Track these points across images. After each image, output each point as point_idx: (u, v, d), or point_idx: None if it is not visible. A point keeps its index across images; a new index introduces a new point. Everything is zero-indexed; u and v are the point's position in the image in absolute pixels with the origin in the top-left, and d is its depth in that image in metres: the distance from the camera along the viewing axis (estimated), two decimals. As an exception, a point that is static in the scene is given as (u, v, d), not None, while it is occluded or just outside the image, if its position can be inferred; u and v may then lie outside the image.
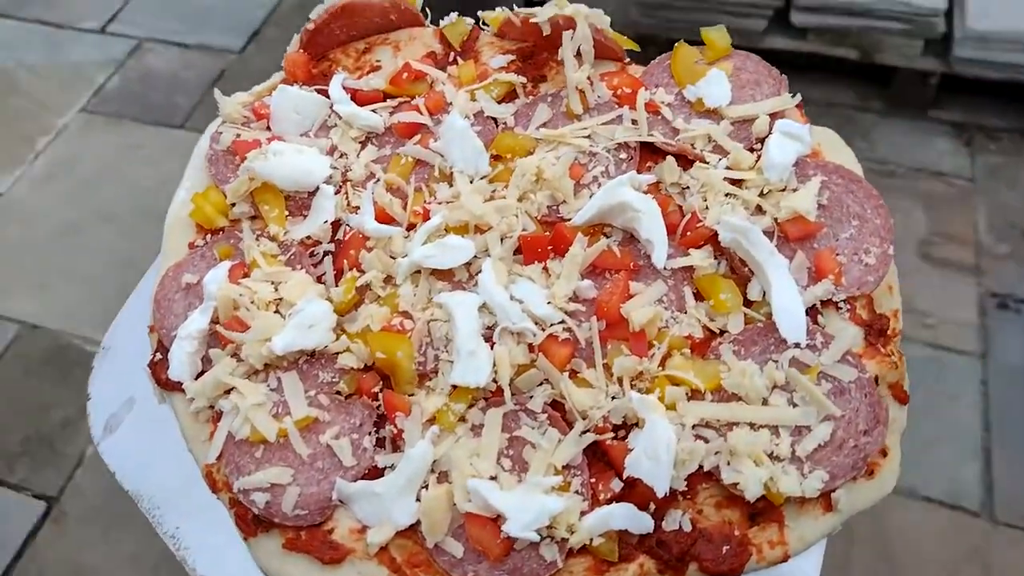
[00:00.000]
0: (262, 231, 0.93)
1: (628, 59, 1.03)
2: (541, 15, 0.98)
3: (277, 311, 0.87)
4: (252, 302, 0.86)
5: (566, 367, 0.82)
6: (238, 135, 0.97)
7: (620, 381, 0.81)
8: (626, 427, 0.80)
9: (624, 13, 2.46)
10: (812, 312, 0.84)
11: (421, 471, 0.78)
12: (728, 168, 0.91)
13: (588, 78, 0.97)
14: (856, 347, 0.83)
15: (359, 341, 0.84)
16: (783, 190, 0.89)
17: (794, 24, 2.34)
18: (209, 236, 0.95)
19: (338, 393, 0.84)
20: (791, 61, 2.36)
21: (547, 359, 0.82)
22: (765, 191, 0.89)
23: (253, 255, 0.89)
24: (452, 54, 1.04)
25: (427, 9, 1.08)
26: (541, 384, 0.82)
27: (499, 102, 0.99)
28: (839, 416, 0.78)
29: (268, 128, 0.99)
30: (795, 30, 2.38)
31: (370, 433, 0.82)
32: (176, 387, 0.86)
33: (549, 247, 0.89)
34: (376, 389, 0.83)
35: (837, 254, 0.86)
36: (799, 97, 0.94)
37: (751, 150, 0.92)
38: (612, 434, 0.79)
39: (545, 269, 0.88)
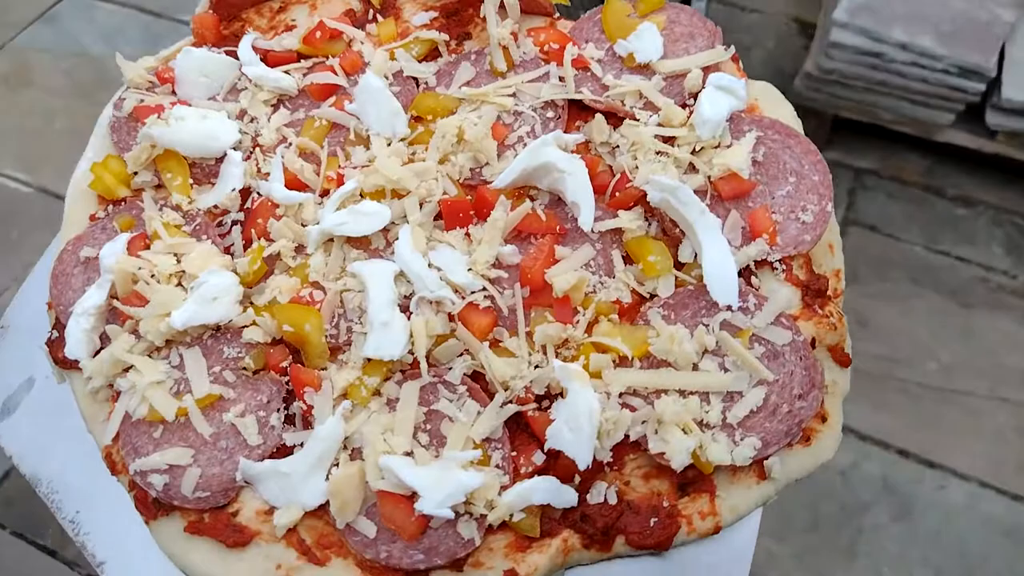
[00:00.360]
0: (166, 200, 0.87)
1: (558, 14, 0.97)
2: (464, -32, 0.93)
3: (180, 284, 0.81)
4: (152, 275, 0.80)
5: (487, 337, 0.77)
6: (141, 100, 0.91)
7: (544, 349, 0.76)
8: (550, 397, 0.75)
9: (786, 81, 2.25)
10: (746, 273, 0.79)
11: (331, 448, 0.73)
12: (659, 125, 0.86)
13: (513, 34, 0.92)
14: (791, 309, 0.78)
15: (266, 314, 0.78)
16: (717, 147, 0.84)
17: (988, 124, 2.09)
18: (111, 207, 0.88)
19: (244, 369, 0.78)
20: (969, 157, 2.25)
21: (467, 328, 0.77)
22: (697, 148, 0.84)
23: (154, 226, 0.83)
24: (372, 11, 0.98)
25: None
26: (461, 355, 0.77)
27: (420, 61, 0.94)
28: (772, 381, 0.74)
29: (174, 92, 0.92)
30: (983, 128, 2.12)
31: (279, 410, 0.76)
32: (74, 365, 0.80)
33: (471, 211, 0.84)
34: (285, 364, 0.78)
35: (773, 212, 0.81)
36: (733, 49, 0.89)
37: (684, 106, 0.87)
38: (535, 405, 0.75)
39: (467, 235, 0.83)
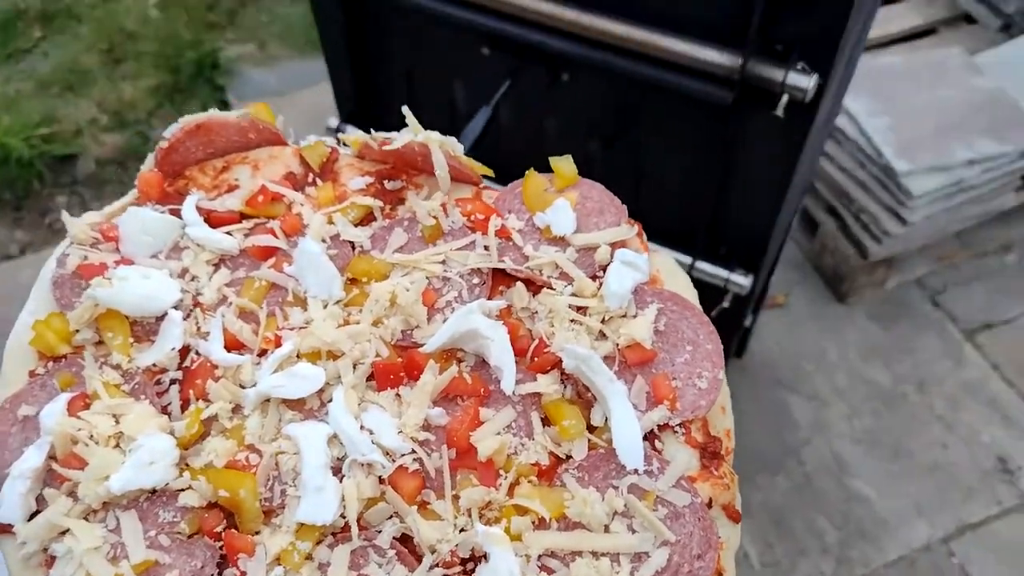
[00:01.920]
0: (106, 359, 0.87)
1: (484, 183, 1.03)
2: (398, 140, 0.98)
3: (118, 445, 0.81)
4: (91, 437, 0.80)
5: (415, 500, 0.80)
6: (85, 257, 0.91)
7: (469, 512, 0.79)
8: (475, 559, 0.78)
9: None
10: (651, 436, 0.85)
11: (265, 615, 0.74)
12: (573, 295, 0.91)
13: (443, 205, 0.97)
14: (691, 470, 0.84)
15: (202, 478, 0.79)
16: (624, 316, 0.91)
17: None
18: (51, 364, 0.88)
19: (179, 533, 0.78)
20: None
21: (396, 492, 0.79)
22: (606, 318, 0.90)
23: (94, 386, 0.83)
24: (311, 175, 1.02)
25: (290, 129, 1.06)
26: (391, 518, 0.79)
27: (357, 225, 0.98)
28: (674, 541, 0.79)
29: (117, 250, 0.93)
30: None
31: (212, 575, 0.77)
32: (6, 529, 0.78)
33: (402, 373, 0.87)
34: (220, 528, 0.78)
35: (673, 379, 0.88)
36: (637, 227, 0.97)
37: (594, 277, 0.94)
38: (460, 567, 0.77)
39: (398, 395, 0.86)
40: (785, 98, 1.45)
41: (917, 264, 2.74)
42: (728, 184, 1.73)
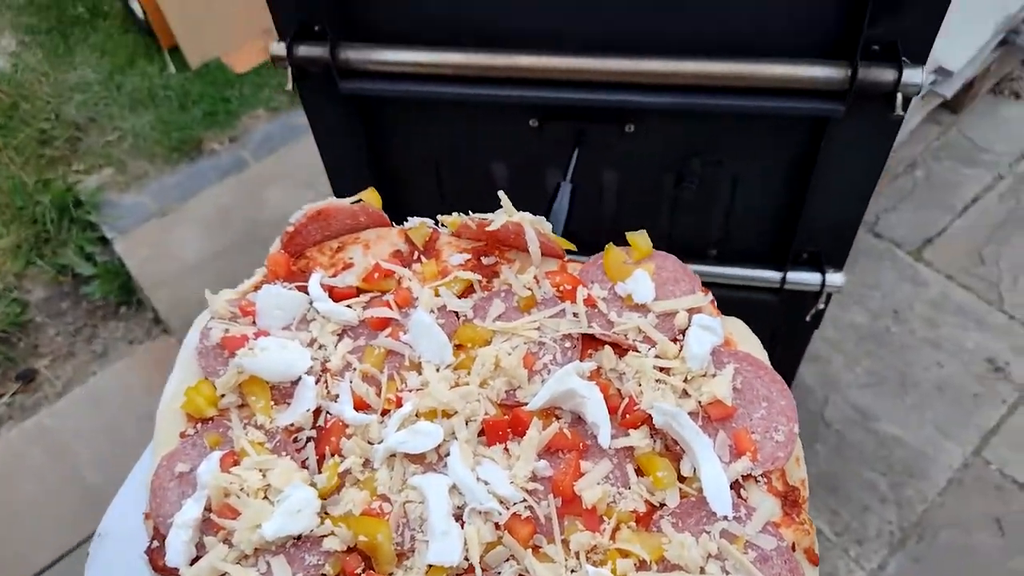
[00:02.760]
0: (249, 420, 0.98)
1: (567, 256, 1.14)
2: (496, 221, 1.09)
3: (265, 497, 0.91)
4: (242, 489, 0.90)
5: (529, 543, 0.89)
6: (226, 330, 1.02)
7: (577, 555, 0.88)
8: (584, 597, 0.87)
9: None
10: (736, 486, 0.93)
11: (403, 648, 0.82)
12: (656, 356, 1.01)
13: (535, 277, 1.08)
14: (775, 517, 0.92)
15: (342, 524, 0.88)
16: (704, 375, 1.00)
17: None
18: (199, 425, 0.99)
19: (323, 575, 0.88)
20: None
21: (512, 537, 0.88)
22: (688, 377, 0.99)
23: (242, 444, 0.94)
24: (416, 252, 1.13)
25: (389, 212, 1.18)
26: (508, 560, 0.88)
27: (459, 296, 1.08)
28: (764, 580, 0.87)
29: (253, 323, 1.04)
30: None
31: (354, 613, 0.86)
32: (172, 573, 0.88)
33: (508, 429, 0.97)
34: (359, 570, 0.87)
35: (752, 433, 0.96)
36: (710, 295, 1.06)
37: (675, 340, 1.03)
38: (572, 605, 0.86)
39: (506, 450, 0.95)
40: (900, 97, 1.41)
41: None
42: (817, 190, 1.67)
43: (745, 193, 1.78)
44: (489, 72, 1.57)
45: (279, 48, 1.58)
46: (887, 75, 1.41)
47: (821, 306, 1.84)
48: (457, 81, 1.60)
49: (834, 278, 1.79)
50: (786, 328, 1.96)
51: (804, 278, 1.80)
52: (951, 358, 2.68)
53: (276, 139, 3.63)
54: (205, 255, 3.16)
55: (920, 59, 1.41)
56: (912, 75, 1.39)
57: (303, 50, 1.59)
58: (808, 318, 1.87)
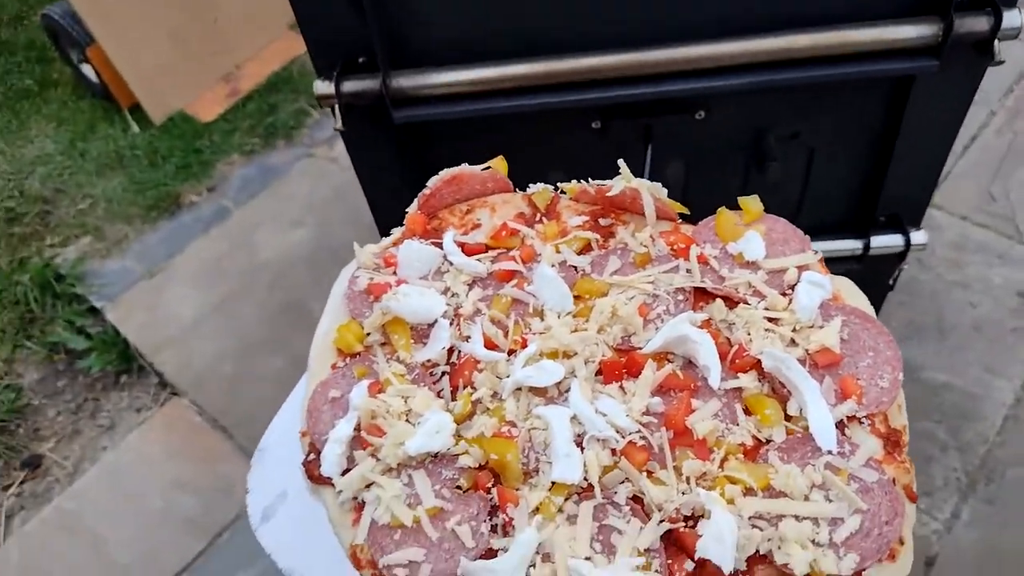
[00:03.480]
0: (391, 355, 1.10)
1: (680, 220, 1.21)
2: (615, 187, 1.18)
3: (407, 420, 1.03)
4: (387, 412, 1.02)
5: (643, 468, 0.97)
6: (371, 278, 1.15)
7: (688, 480, 0.96)
8: (694, 518, 0.94)
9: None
10: (840, 426, 0.99)
11: (529, 552, 0.92)
12: (766, 309, 1.08)
13: (650, 236, 1.16)
14: (877, 454, 0.97)
15: (475, 445, 0.99)
16: (811, 327, 1.06)
17: None
18: (348, 359, 1.12)
19: (458, 487, 0.98)
20: None
21: (628, 461, 0.96)
22: (797, 327, 1.05)
23: (386, 375, 1.06)
24: (538, 215, 1.23)
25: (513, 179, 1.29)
26: (623, 482, 0.96)
27: (578, 254, 1.18)
28: (866, 510, 0.92)
29: (394, 273, 1.17)
30: None
31: (485, 521, 0.96)
32: (326, 482, 1.01)
33: (624, 370, 1.05)
34: (489, 485, 0.98)
35: (858, 379, 1.02)
36: (820, 253, 1.12)
37: (784, 294, 1.09)
38: (683, 523, 0.93)
39: (621, 388, 1.04)
40: (997, 43, 1.38)
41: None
42: (903, 150, 1.63)
43: (822, 164, 1.73)
44: (550, 79, 1.52)
45: (325, 87, 1.53)
46: (981, 23, 1.37)
47: (905, 266, 1.81)
48: (514, 93, 1.54)
49: (918, 236, 1.75)
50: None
51: (888, 241, 1.77)
52: (983, 296, 2.63)
53: (255, 182, 3.49)
54: (203, 310, 3.02)
55: (1011, 2, 1.36)
56: (1011, 18, 1.35)
57: (351, 85, 1.54)
58: (892, 281, 1.85)
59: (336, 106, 1.55)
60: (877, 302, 2.10)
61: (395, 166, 1.72)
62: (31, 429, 2.82)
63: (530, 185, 1.25)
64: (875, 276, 1.88)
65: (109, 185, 3.51)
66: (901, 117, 1.57)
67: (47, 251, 3.29)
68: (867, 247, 1.82)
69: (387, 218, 1.70)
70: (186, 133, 3.70)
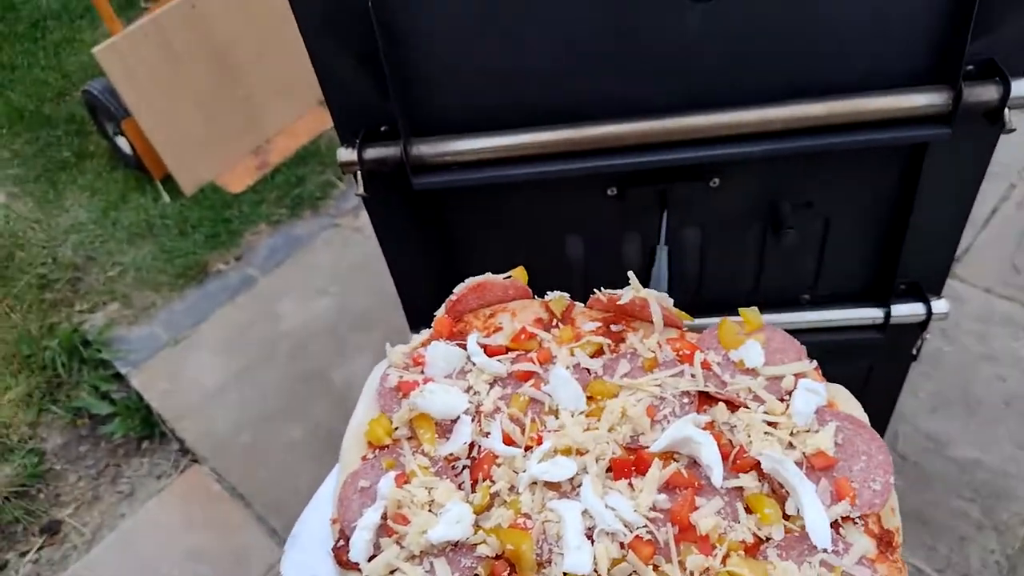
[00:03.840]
0: (417, 448, 1.19)
1: (686, 327, 1.31)
2: (625, 296, 1.29)
3: (430, 510, 1.10)
4: (412, 502, 1.10)
5: (650, 562, 1.03)
6: (401, 377, 1.25)
7: (692, 574, 1.02)
8: (697, 611, 1.00)
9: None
10: (835, 525, 1.05)
11: (541, 640, 0.98)
12: (765, 413, 1.16)
13: (658, 342, 1.26)
14: (870, 553, 1.03)
15: (493, 535, 1.06)
16: (807, 431, 1.14)
17: None
18: (377, 451, 1.20)
19: (476, 575, 1.05)
20: None
21: (635, 555, 1.03)
22: (794, 431, 1.13)
23: (412, 467, 1.14)
24: (555, 320, 1.34)
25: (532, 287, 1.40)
26: (631, 574, 1.03)
27: (591, 357, 1.27)
28: (860, 608, 0.98)
29: (422, 371, 1.27)
30: None
31: (501, 608, 1.02)
32: (354, 567, 1.08)
33: (632, 468, 1.13)
34: (505, 574, 1.05)
35: (852, 481, 1.09)
36: (815, 363, 1.21)
37: (781, 400, 1.18)
38: (687, 616, 0.99)
39: (630, 484, 1.12)
40: (1007, 111, 1.41)
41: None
42: (919, 217, 1.63)
43: (838, 232, 1.76)
44: (567, 147, 1.55)
45: (348, 154, 1.58)
46: (991, 92, 1.42)
47: (928, 336, 1.80)
48: (531, 160, 1.58)
49: (939, 305, 1.74)
50: (887, 363, 1.95)
51: (908, 310, 1.76)
52: (1011, 370, 2.60)
53: (281, 251, 3.60)
54: (226, 377, 3.08)
55: (1021, 71, 1.41)
56: (1020, 87, 1.39)
57: (373, 152, 1.59)
58: (915, 351, 1.87)
59: (359, 172, 1.60)
60: (901, 373, 2.08)
61: (414, 230, 1.78)
62: (52, 494, 2.88)
63: (547, 293, 1.37)
64: (898, 346, 1.90)
65: (139, 253, 3.65)
66: (916, 185, 1.60)
67: (76, 317, 3.38)
68: (888, 316, 1.80)
69: (406, 281, 1.89)
70: (215, 203, 3.84)
